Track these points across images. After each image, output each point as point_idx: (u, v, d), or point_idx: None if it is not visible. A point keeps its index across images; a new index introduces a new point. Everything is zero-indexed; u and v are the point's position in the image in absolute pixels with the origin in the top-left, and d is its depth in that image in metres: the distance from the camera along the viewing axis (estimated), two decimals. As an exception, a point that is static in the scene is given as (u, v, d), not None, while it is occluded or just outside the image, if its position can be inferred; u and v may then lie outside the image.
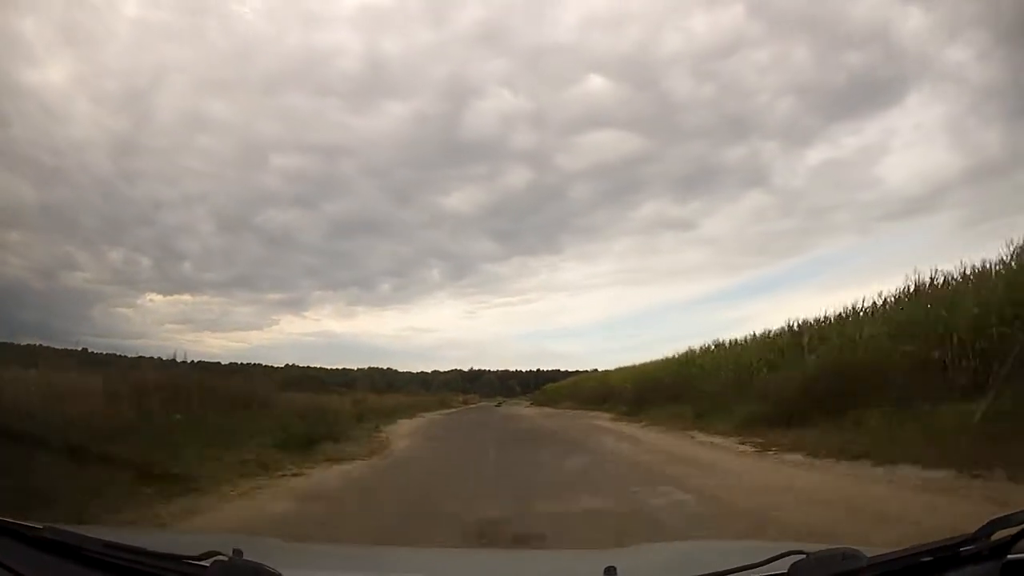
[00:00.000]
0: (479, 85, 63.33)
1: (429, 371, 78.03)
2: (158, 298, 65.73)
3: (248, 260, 65.86)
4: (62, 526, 1.57)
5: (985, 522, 1.37)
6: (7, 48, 40.89)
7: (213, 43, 52.61)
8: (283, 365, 42.07)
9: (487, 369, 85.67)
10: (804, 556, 1.38)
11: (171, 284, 64.15)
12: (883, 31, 40.27)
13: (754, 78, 47.36)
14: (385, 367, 66.97)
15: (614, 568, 1.49)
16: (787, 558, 1.38)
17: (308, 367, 44.64)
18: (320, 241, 71.44)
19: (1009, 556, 1.33)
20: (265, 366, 35.83)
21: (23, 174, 45.75)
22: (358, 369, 57.52)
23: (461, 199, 72.54)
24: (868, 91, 43.16)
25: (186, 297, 70.52)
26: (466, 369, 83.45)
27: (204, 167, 60.74)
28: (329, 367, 52.45)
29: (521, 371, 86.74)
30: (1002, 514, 1.36)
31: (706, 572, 1.42)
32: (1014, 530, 1.34)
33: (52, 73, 48.97)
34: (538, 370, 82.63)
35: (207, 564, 1.42)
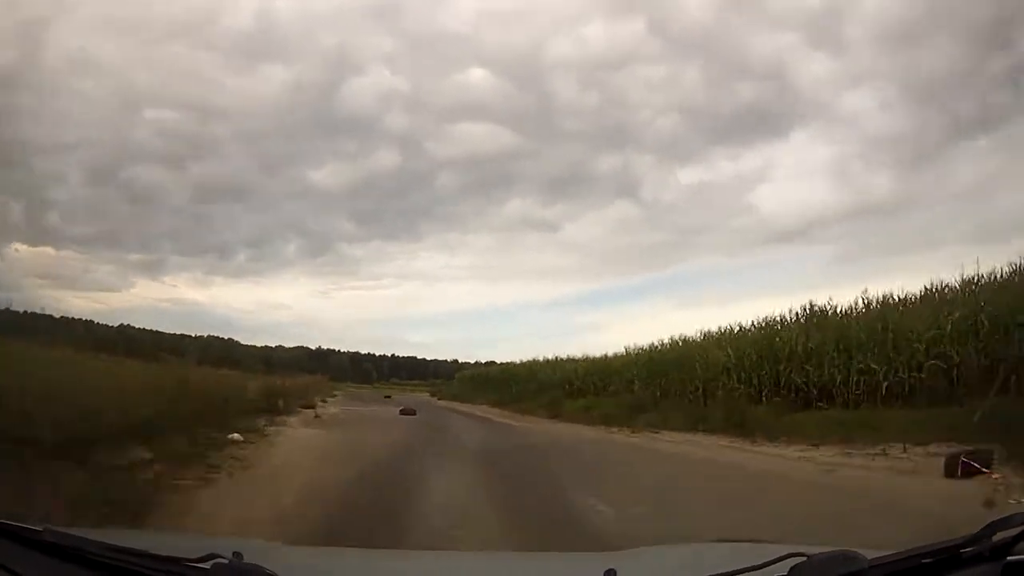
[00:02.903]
0: (362, 60, 61.77)
1: (273, 345, 69.52)
2: (23, 248, 61.24)
3: (113, 216, 62.09)
4: (62, 528, 1.57)
5: (985, 524, 1.38)
6: None
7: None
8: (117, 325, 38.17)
9: (337, 350, 78.85)
10: (805, 559, 1.38)
11: (37, 234, 60.12)
12: (780, 69, 40.49)
13: (641, 93, 46.95)
14: (227, 337, 59.01)
15: (614, 571, 1.49)
16: (787, 560, 1.38)
17: (142, 329, 39.90)
18: (184, 203, 68.12)
19: (1010, 557, 1.33)
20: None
21: None
22: (196, 337, 51.21)
23: (327, 175, 70.11)
24: (754, 122, 43.43)
25: (49, 250, 66.63)
26: (314, 348, 76.21)
27: (81, 113, 57.29)
28: (168, 332, 46.91)
29: (375, 355, 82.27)
30: (1003, 515, 1.37)
31: (707, 574, 1.42)
32: (1015, 531, 1.34)
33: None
34: (393, 355, 79.98)
35: (207, 567, 1.42)
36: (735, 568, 1.42)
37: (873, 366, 13.69)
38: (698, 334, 22.09)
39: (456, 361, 45.48)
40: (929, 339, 12.98)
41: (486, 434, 17.34)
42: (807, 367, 15.30)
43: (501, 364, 41.98)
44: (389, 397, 41.00)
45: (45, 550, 1.53)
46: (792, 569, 1.36)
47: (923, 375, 12.83)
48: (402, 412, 24.08)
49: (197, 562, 1.43)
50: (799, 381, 15.42)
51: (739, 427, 13.97)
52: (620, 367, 25.35)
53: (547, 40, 52.96)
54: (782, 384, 15.88)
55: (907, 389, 13.08)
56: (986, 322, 12.20)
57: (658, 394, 20.57)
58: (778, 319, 18.70)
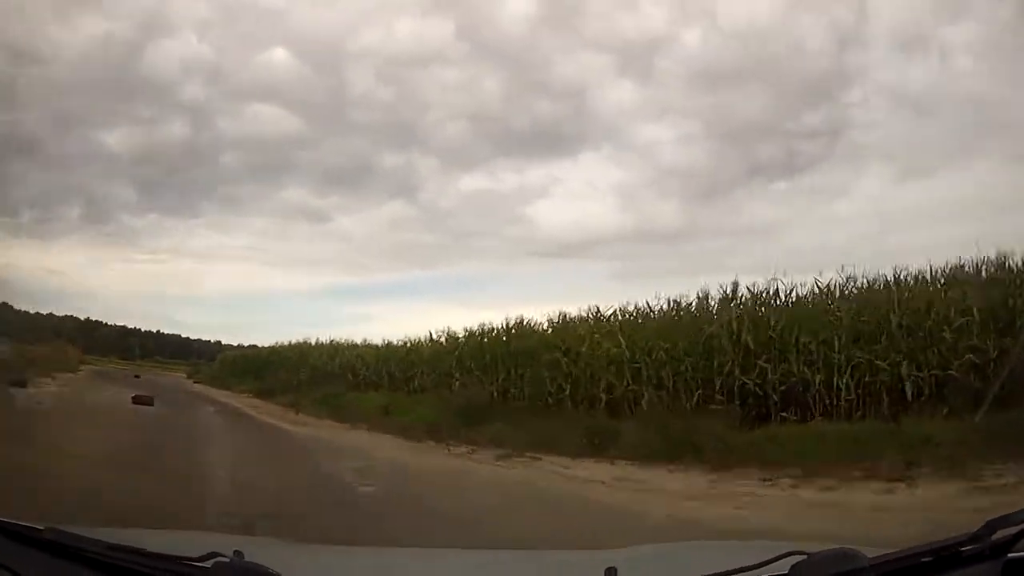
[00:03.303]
0: (174, 23, 59.42)
1: (45, 313, 65.07)
2: None
3: None
4: (63, 527, 1.57)
5: (984, 522, 1.38)
6: None
7: None
8: None
9: (105, 323, 76.87)
10: (805, 557, 1.38)
11: None
12: (582, 91, 39.88)
13: (436, 95, 45.97)
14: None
15: (615, 568, 1.49)
16: (788, 559, 1.39)
17: None
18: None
19: (1010, 555, 1.33)
20: None
21: None
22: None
23: (119, 139, 64.05)
24: (545, 139, 42.74)
25: None
26: (83, 319, 74.67)
27: None
28: None
29: (140, 330, 79.02)
30: (1003, 514, 1.37)
31: (707, 573, 1.42)
32: (1015, 529, 1.34)
33: None
34: (159, 332, 76.87)
35: (208, 565, 1.42)
36: (736, 566, 1.42)
37: (878, 362, 10.27)
38: (557, 317, 16.62)
39: (219, 343, 43.32)
40: (959, 327, 9.95)
41: (241, 456, 10.57)
42: (761, 363, 11.22)
43: (268, 347, 35.13)
44: (138, 377, 33.98)
45: (46, 549, 1.53)
46: (793, 567, 1.36)
47: (951, 373, 9.71)
48: (135, 400, 17.69)
49: (198, 561, 1.43)
50: (750, 383, 11.22)
51: (676, 451, 9.61)
52: (431, 356, 19.60)
53: (356, 28, 51.88)
54: (719, 387, 11.62)
55: (925, 392, 9.91)
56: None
57: (496, 394, 15.35)
58: (696, 300, 14.00)
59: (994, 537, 1.35)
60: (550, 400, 14.01)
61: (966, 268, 11.81)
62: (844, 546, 1.42)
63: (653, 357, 12.77)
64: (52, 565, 1.51)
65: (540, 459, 10.61)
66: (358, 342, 25.77)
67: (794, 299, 12.76)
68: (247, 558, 1.46)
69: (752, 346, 11.59)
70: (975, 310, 9.98)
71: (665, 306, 14.65)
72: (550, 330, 16.45)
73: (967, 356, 9.67)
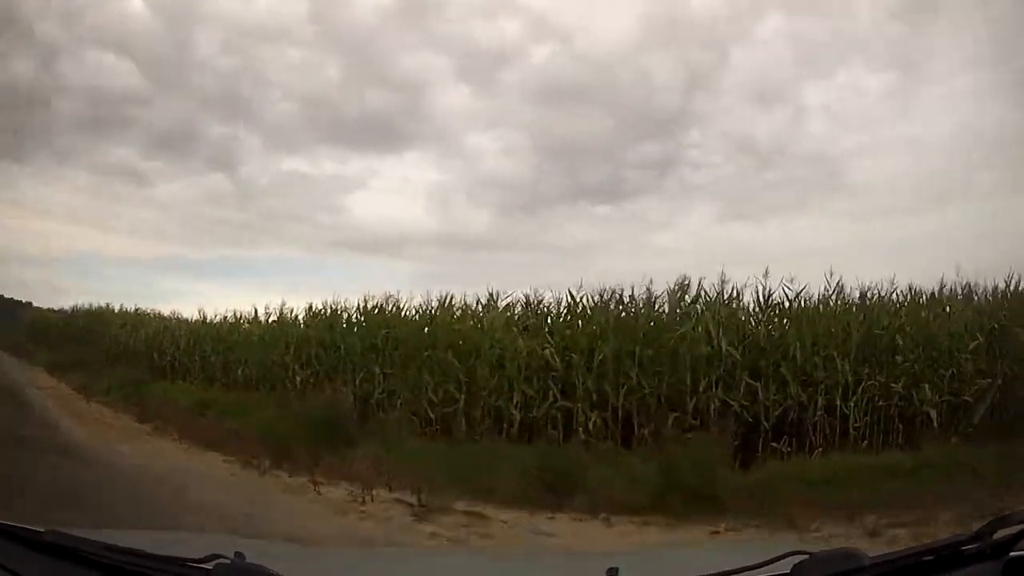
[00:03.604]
0: None
1: None
2: None
3: None
4: (64, 529, 1.57)
5: (985, 522, 1.38)
6: None
7: None
8: None
9: None
10: (806, 556, 1.38)
11: None
12: (417, 90, 39.42)
13: (277, 73, 45.68)
14: None
15: (616, 570, 1.49)
16: (789, 558, 1.39)
17: None
18: None
19: (1011, 554, 1.33)
20: None
21: None
22: None
23: None
24: (372, 131, 42.35)
25: None
26: None
27: None
28: None
29: None
30: (1004, 513, 1.37)
31: (708, 573, 1.42)
32: (1015, 529, 1.34)
33: None
34: None
35: (209, 567, 1.42)
36: (737, 567, 1.43)
37: (893, 385, 9.06)
38: (442, 299, 12.70)
39: (31, 304, 41.24)
40: (973, 350, 9.28)
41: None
42: (748, 380, 9.37)
43: (65, 310, 30.01)
44: None
45: (47, 551, 1.53)
46: (795, 567, 1.37)
47: (966, 398, 9.02)
48: None
49: (199, 562, 1.43)
50: (735, 404, 9.23)
51: (666, 501, 6.97)
52: (265, 340, 14.75)
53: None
54: (692, 409, 9.43)
55: (935, 419, 8.89)
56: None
57: (355, 401, 11.47)
58: (646, 295, 11.11)
59: (995, 536, 1.35)
60: (432, 415, 10.70)
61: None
62: (845, 546, 1.42)
63: (595, 366, 10.05)
64: (53, 567, 1.51)
65: (486, 517, 6.72)
66: (167, 314, 21.13)
67: (784, 305, 10.51)
68: (248, 559, 1.46)
69: (739, 358, 9.55)
70: (979, 334, 9.41)
71: (598, 299, 11.31)
72: (435, 317, 12.42)
73: (980, 381, 9.02)
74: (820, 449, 8.93)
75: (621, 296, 11.22)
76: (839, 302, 10.44)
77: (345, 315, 13.81)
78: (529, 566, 2.43)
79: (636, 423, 9.75)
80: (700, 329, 9.97)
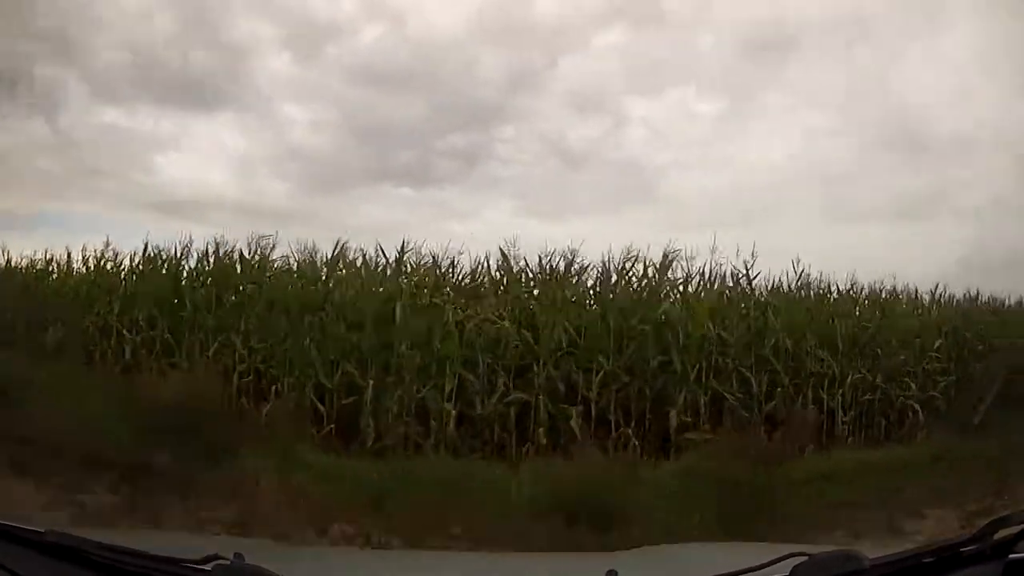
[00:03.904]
0: None
1: None
2: None
3: None
4: (65, 529, 1.57)
5: (985, 523, 1.37)
6: None
7: None
8: None
9: None
10: (806, 558, 1.38)
11: None
12: (243, 54, 37.86)
13: (112, 16, 42.71)
14: None
15: (615, 571, 1.49)
16: (789, 560, 1.39)
17: None
18: None
19: (1011, 556, 1.33)
20: None
21: None
22: None
23: None
24: (192, 90, 40.47)
25: None
26: None
27: None
28: None
29: None
30: (1003, 514, 1.37)
31: (709, 575, 1.42)
32: (1015, 530, 1.34)
33: None
34: None
35: (208, 568, 1.42)
36: (737, 568, 1.42)
37: (876, 381, 9.02)
38: (335, 250, 9.69)
39: None
40: (937, 348, 9.77)
41: None
42: (743, 369, 8.55)
43: None
44: None
45: (47, 551, 1.53)
46: (794, 569, 1.37)
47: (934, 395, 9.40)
48: None
49: (199, 563, 1.44)
50: (731, 397, 8.37)
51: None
52: (82, 294, 10.52)
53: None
54: (684, 404, 8.18)
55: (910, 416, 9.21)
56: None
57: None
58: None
59: (995, 537, 1.35)
60: (325, 409, 7.98)
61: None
62: (845, 548, 1.42)
63: (565, 346, 8.14)
64: (53, 567, 1.51)
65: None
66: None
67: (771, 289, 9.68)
68: (248, 560, 1.47)
69: (733, 344, 8.60)
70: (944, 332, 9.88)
71: (550, 265, 9.09)
72: (331, 268, 9.51)
73: (944, 378, 9.47)
74: (812, 446, 8.28)
75: (577, 263, 9.14)
76: (824, 295, 10.11)
77: (191, 263, 9.94)
78: (529, 566, 2.43)
79: (614, 421, 7.93)
80: (684, 309, 8.80)
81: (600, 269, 9.18)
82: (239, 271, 9.72)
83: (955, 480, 6.61)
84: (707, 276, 9.42)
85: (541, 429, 7.75)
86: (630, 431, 7.95)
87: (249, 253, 9.76)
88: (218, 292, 9.46)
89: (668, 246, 9.17)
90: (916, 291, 10.75)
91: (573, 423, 7.73)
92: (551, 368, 8.05)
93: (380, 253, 9.38)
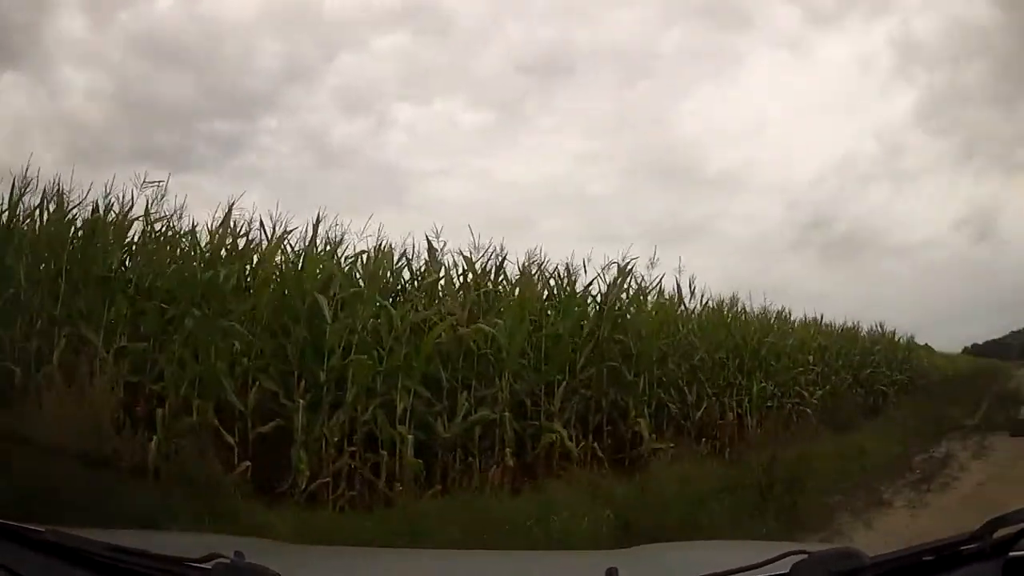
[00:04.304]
0: None
1: None
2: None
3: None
4: (64, 528, 1.57)
5: (985, 521, 1.38)
6: None
7: None
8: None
9: None
10: (806, 556, 1.38)
11: None
12: (42, 10, 35.96)
13: None
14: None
15: (615, 569, 1.49)
16: (788, 558, 1.39)
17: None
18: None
19: (1010, 554, 1.33)
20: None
21: None
22: None
23: None
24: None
25: None
26: None
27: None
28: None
29: None
30: (1003, 513, 1.37)
31: (707, 573, 1.42)
32: (1015, 528, 1.34)
33: None
34: None
35: (209, 566, 1.42)
36: (736, 566, 1.43)
37: (772, 388, 11.16)
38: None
39: None
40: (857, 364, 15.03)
41: None
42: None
43: None
44: None
45: (46, 550, 1.53)
46: (793, 567, 1.37)
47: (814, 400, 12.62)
48: None
49: (199, 562, 1.44)
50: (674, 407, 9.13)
51: None
52: None
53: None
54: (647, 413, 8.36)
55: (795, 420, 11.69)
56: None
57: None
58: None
59: (995, 536, 1.35)
60: (235, 434, 6.04)
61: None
62: (845, 545, 1.42)
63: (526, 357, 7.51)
64: (53, 566, 1.51)
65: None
66: None
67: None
68: (248, 558, 1.46)
69: (672, 357, 9.01)
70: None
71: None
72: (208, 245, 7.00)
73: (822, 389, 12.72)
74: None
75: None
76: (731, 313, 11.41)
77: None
78: (529, 565, 2.43)
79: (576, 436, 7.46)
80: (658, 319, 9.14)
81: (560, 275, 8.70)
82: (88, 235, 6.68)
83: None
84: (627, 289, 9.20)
85: (508, 450, 6.86)
86: (596, 445, 7.69)
87: (102, 211, 6.78)
88: (56, 262, 6.43)
89: (624, 258, 8.86)
90: (788, 313, 13.08)
91: (568, 442, 7.32)
92: (513, 381, 7.12)
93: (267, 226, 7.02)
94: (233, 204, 7.03)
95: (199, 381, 5.95)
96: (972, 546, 1.36)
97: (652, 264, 9.23)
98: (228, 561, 1.43)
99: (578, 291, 8.53)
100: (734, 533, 5.37)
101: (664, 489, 6.13)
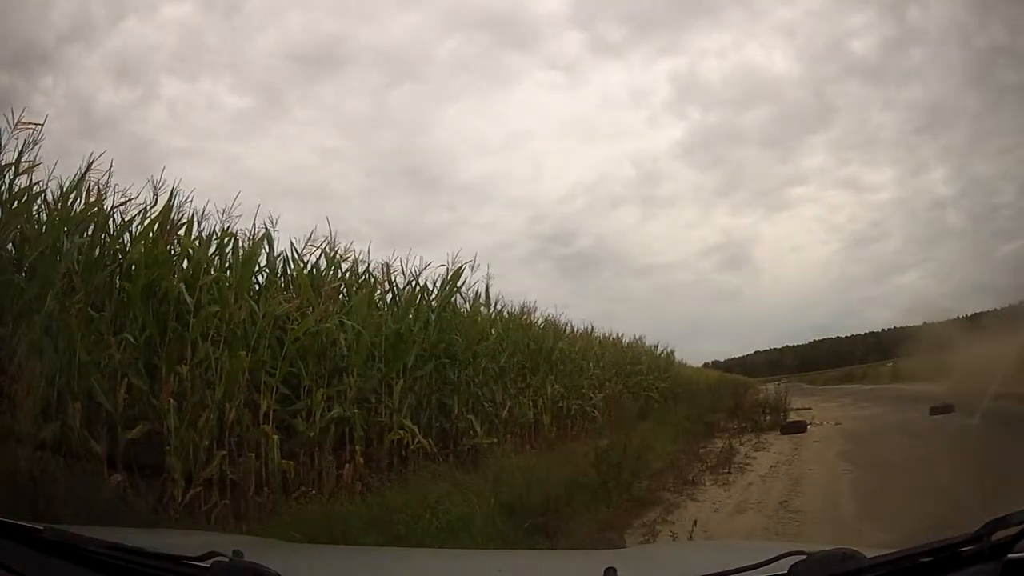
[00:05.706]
0: None
1: None
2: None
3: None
4: (63, 527, 1.57)
5: (984, 523, 1.38)
6: None
7: None
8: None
9: None
10: (804, 557, 1.38)
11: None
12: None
13: None
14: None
15: (614, 569, 1.49)
16: (787, 559, 1.39)
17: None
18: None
19: (1009, 556, 1.33)
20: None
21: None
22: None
23: None
24: None
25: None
26: None
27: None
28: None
29: None
30: (1002, 514, 1.37)
31: (706, 573, 1.42)
32: (1014, 530, 1.34)
33: None
34: None
35: (207, 565, 1.42)
36: (735, 567, 1.43)
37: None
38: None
39: None
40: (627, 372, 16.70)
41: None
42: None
43: None
44: None
45: (45, 549, 1.53)
46: (792, 567, 1.37)
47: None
48: None
49: (197, 560, 1.44)
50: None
51: None
52: None
53: None
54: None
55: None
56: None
57: None
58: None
59: (994, 537, 1.35)
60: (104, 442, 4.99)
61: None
62: (843, 546, 1.42)
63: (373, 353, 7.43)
64: (52, 565, 1.51)
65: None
66: None
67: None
68: (247, 557, 1.46)
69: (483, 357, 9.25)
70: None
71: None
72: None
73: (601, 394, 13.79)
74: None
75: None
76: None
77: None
78: (529, 565, 2.43)
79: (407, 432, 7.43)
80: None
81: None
82: None
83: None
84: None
85: (359, 448, 6.72)
86: (428, 441, 7.59)
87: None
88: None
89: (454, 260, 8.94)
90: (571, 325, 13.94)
91: (424, 439, 7.37)
92: (359, 378, 6.97)
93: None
94: (93, 162, 5.70)
95: (64, 375, 4.88)
96: (971, 547, 1.36)
97: (472, 268, 9.26)
98: (227, 560, 1.43)
99: (416, 291, 8.70)
100: (596, 508, 6.36)
101: (514, 478, 6.35)
